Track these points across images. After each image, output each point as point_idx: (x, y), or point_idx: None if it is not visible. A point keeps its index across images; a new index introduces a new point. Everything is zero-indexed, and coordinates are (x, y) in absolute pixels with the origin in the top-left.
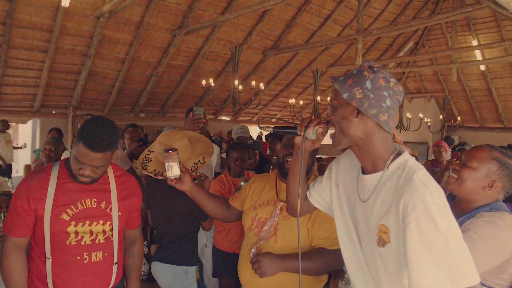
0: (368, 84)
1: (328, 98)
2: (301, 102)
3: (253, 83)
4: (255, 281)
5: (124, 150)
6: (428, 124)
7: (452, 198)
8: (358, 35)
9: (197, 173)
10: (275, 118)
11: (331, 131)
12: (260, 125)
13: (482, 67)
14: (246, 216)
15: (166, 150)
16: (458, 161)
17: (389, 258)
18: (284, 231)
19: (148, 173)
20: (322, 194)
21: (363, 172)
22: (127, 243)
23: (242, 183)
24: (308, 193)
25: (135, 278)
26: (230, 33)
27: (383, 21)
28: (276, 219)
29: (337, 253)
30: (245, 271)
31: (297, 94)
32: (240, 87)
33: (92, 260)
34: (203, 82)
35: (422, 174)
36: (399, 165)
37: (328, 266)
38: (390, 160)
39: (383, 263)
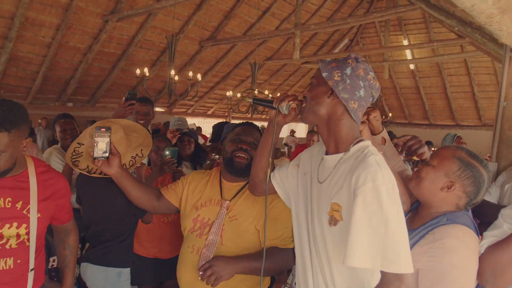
0: (348, 70)
1: (266, 91)
2: (238, 95)
3: (190, 73)
4: (199, 286)
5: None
6: None
7: (416, 207)
8: (296, 29)
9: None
10: (257, 91)
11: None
12: (243, 96)
13: (412, 66)
14: (187, 218)
15: (98, 128)
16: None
17: (341, 237)
18: (230, 232)
19: (81, 171)
20: (285, 180)
21: (326, 154)
22: (61, 234)
23: (167, 153)
24: (272, 174)
25: (72, 271)
26: (166, 21)
27: (320, 17)
28: (223, 219)
29: (290, 252)
30: (186, 275)
31: (234, 86)
32: (176, 77)
33: (0, 268)
34: (137, 71)
35: (378, 158)
36: (360, 149)
37: (282, 264)
38: (353, 144)
39: (334, 244)
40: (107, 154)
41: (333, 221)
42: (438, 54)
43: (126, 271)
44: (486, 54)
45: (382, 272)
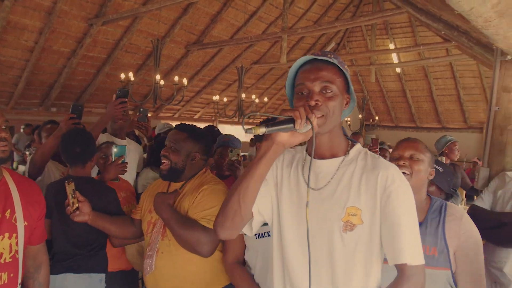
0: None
1: (253, 96)
2: (225, 99)
3: (176, 78)
4: (158, 284)
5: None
6: (348, 123)
7: None
8: (283, 33)
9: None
10: (258, 114)
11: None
12: (246, 128)
13: (398, 70)
14: (144, 222)
15: (67, 182)
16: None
17: (358, 241)
18: None
19: None
20: (264, 207)
21: (318, 158)
22: (31, 267)
23: (115, 150)
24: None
25: None
26: (151, 25)
27: (307, 21)
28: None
29: (207, 232)
30: (148, 277)
31: (220, 90)
32: (162, 82)
33: None
34: (122, 75)
35: None
36: (360, 150)
37: (193, 240)
38: (349, 146)
39: (344, 250)
40: (77, 205)
41: (348, 227)
42: (424, 57)
43: (103, 277)
44: (472, 58)
45: (402, 265)
